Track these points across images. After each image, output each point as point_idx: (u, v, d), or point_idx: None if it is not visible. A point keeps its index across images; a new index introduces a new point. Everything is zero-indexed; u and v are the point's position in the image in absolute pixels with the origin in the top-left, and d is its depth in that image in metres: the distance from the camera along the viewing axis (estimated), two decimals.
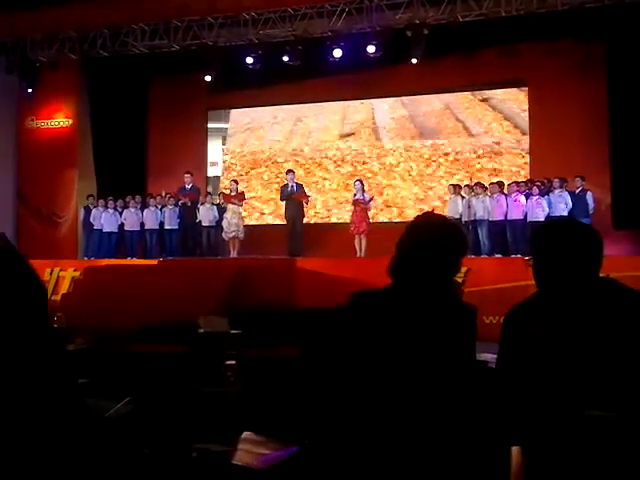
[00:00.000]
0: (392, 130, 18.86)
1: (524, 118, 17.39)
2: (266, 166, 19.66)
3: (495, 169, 17.55)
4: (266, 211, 19.20)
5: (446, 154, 18.17)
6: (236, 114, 20.02)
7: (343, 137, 19.21)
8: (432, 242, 2.60)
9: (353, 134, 19.15)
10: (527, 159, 17.24)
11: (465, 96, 18.06)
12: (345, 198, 18.27)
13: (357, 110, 19.08)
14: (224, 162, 19.96)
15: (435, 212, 3.15)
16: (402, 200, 18.25)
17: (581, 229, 2.59)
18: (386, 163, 18.58)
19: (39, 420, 1.47)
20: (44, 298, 1.79)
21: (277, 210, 18.74)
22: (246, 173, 19.73)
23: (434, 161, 18.25)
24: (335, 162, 19.11)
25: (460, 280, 11.47)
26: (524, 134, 17.45)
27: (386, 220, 17.64)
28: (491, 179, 16.91)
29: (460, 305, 2.65)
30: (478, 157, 17.84)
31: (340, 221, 18.04)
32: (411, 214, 17.66)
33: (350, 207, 15.94)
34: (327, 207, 18.63)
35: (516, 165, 17.41)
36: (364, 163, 18.83)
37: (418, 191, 18.20)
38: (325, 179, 19.05)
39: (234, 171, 19.83)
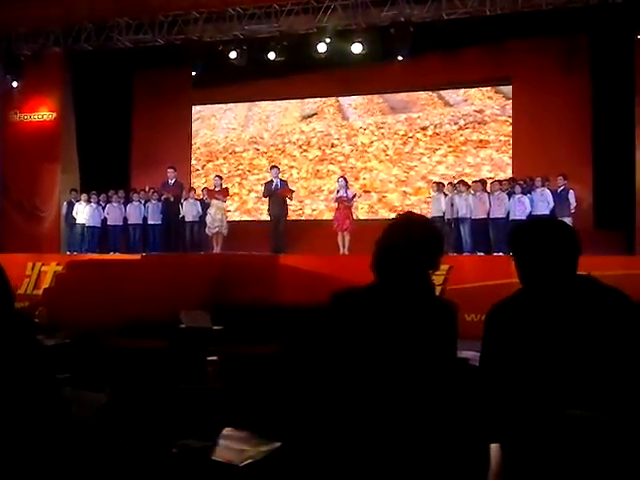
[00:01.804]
0: (359, 106, 17.46)
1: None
2: (224, 158, 18.34)
3: (481, 140, 16.35)
4: (231, 208, 17.47)
5: (423, 128, 16.79)
6: None
7: (305, 119, 17.84)
8: (407, 240, 2.61)
9: (315, 114, 17.75)
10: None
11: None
12: (317, 186, 17.24)
13: None
14: None
15: (415, 212, 3.16)
16: (382, 184, 16.86)
17: (557, 228, 2.62)
18: (357, 144, 17.22)
19: (8, 410, 1.46)
20: (6, 286, 1.78)
21: (243, 206, 17.82)
22: (202, 167, 18.51)
23: (411, 137, 16.87)
24: (300, 147, 17.65)
25: (442, 278, 11.54)
26: (508, 99, 16.34)
27: (370, 216, 16.88)
28: (478, 152, 16.23)
29: (440, 302, 2.66)
30: (460, 129, 16.59)
31: (315, 212, 17.29)
32: (394, 199, 16.82)
33: (325, 199, 15.62)
34: (298, 198, 16.92)
35: (505, 134, 16.27)
36: (333, 146, 17.40)
37: (398, 172, 16.77)
38: (292, 167, 17.55)
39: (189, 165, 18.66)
